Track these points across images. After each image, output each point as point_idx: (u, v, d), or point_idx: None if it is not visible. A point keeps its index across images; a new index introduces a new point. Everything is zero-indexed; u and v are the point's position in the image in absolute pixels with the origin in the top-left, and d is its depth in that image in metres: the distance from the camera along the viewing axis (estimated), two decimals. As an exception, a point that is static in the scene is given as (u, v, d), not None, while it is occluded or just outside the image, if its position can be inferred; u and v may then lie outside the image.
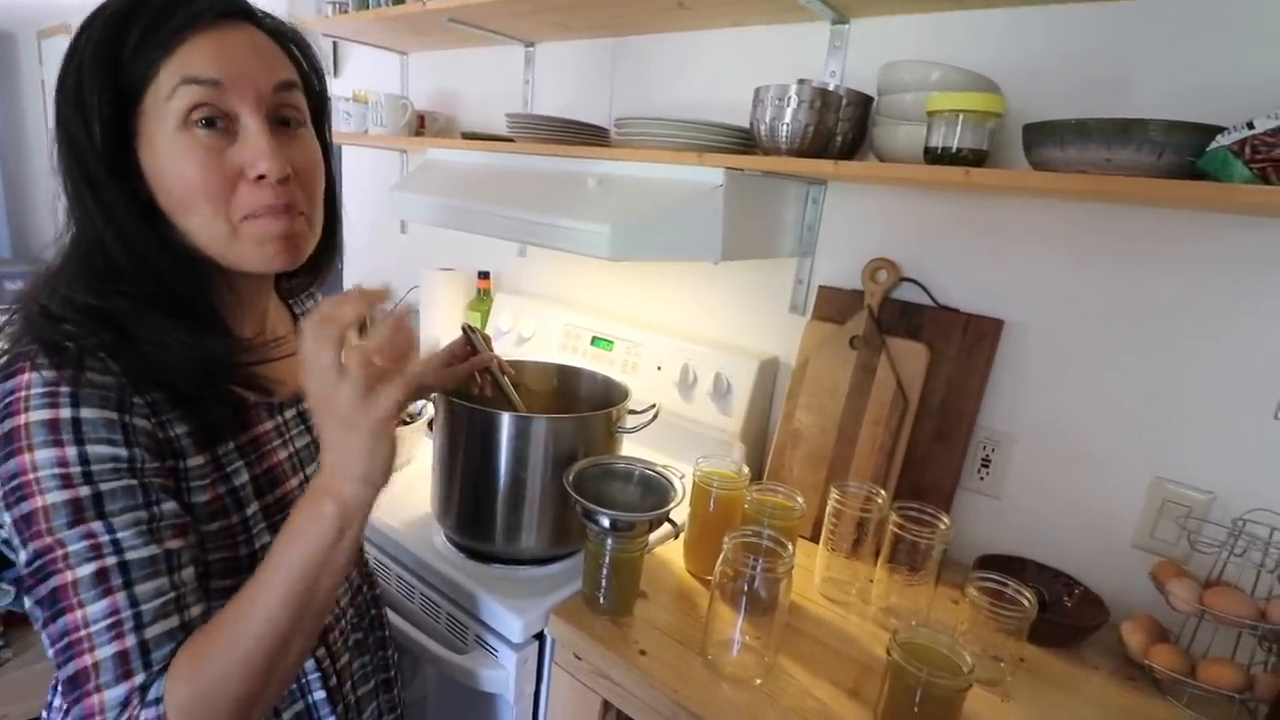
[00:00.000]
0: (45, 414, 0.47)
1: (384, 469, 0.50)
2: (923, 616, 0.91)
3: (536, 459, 0.93)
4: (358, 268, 2.17)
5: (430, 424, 1.21)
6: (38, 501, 0.46)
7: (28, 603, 0.48)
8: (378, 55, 1.86)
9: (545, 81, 1.57)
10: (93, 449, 0.47)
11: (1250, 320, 0.87)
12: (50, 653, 0.47)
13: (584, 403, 1.14)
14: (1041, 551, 1.02)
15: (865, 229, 1.16)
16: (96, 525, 0.47)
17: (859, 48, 1.11)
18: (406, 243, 2.00)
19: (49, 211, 0.56)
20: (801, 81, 0.95)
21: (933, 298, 1.10)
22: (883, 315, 1.12)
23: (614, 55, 1.43)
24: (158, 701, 0.45)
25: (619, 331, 1.42)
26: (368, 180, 2.07)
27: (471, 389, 0.99)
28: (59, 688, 0.49)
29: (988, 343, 1.04)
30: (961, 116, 0.81)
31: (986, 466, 1.09)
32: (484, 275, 1.69)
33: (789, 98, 0.93)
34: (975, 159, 0.83)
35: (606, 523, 0.84)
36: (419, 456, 1.25)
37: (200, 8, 0.52)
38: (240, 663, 0.47)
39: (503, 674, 0.88)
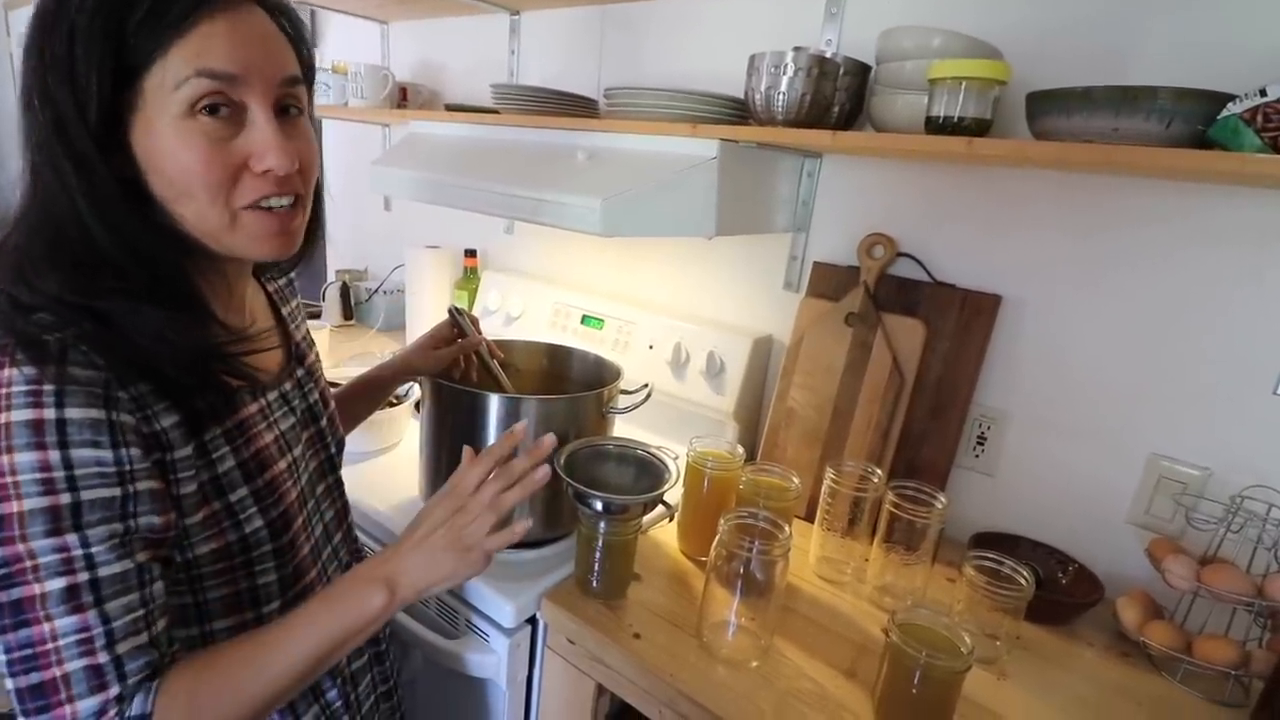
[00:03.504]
0: (28, 414, 0.44)
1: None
2: (919, 596, 0.90)
3: (527, 441, 0.90)
4: (340, 246, 2.12)
5: (417, 405, 1.19)
6: (12, 506, 0.44)
7: None
8: (357, 24, 1.79)
9: (531, 52, 1.52)
10: (77, 453, 0.45)
11: (1251, 295, 0.86)
12: (2, 660, 0.45)
13: (575, 383, 1.12)
14: (1036, 528, 1.01)
15: (861, 203, 1.14)
16: (71, 538, 0.45)
17: (855, 15, 1.08)
18: (391, 220, 1.95)
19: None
20: (798, 49, 0.91)
21: (930, 273, 1.08)
22: (879, 292, 1.10)
23: (602, 24, 1.38)
24: (144, 717, 0.46)
25: (610, 310, 1.39)
26: (348, 155, 2.01)
27: (454, 372, 0.96)
28: (15, 694, 0.46)
29: (984, 319, 1.03)
30: (965, 84, 0.79)
31: (982, 444, 1.08)
32: (471, 253, 1.66)
33: (785, 65, 0.90)
34: (978, 129, 0.80)
35: (599, 506, 0.82)
36: (406, 439, 1.23)
37: None
38: (247, 703, 0.50)
39: (494, 659, 0.87)
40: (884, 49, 0.93)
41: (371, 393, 0.94)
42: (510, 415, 0.90)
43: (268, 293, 0.72)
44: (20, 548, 0.44)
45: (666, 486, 0.85)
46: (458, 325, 0.96)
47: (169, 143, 0.49)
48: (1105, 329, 0.96)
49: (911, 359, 1.06)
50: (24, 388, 0.45)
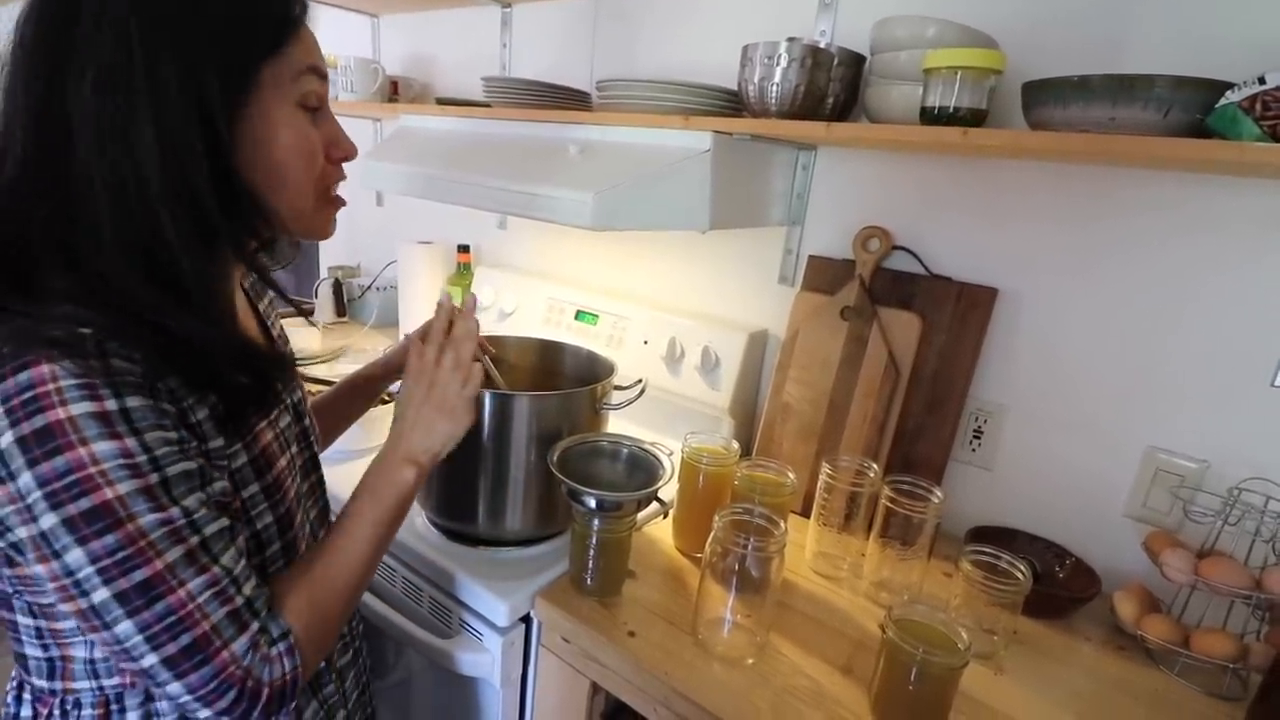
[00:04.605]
0: (90, 406, 0.44)
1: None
2: (915, 591, 0.90)
3: (519, 437, 0.89)
4: (332, 242, 2.10)
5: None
6: (108, 493, 0.45)
7: (98, 597, 0.46)
8: (347, 18, 1.77)
9: (523, 45, 1.50)
10: (150, 436, 0.47)
11: (1250, 286, 0.85)
12: (136, 640, 0.47)
13: (568, 379, 1.11)
14: (1033, 522, 1.01)
15: (856, 196, 1.13)
16: (174, 511, 0.48)
17: (850, 5, 1.07)
18: (383, 215, 1.94)
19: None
20: (792, 39, 0.90)
21: (925, 266, 1.07)
22: (874, 285, 1.09)
23: (595, 16, 1.37)
24: (285, 635, 0.53)
25: (604, 305, 1.38)
26: (341, 151, 1.99)
27: None
28: (161, 663, 0.48)
29: (981, 312, 1.02)
30: (960, 74, 0.78)
31: (978, 438, 1.07)
32: (464, 249, 1.64)
33: (779, 56, 0.89)
34: (974, 119, 0.79)
35: (593, 503, 0.81)
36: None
37: None
38: (342, 595, 0.59)
39: (488, 658, 0.86)
40: (878, 39, 0.92)
41: (362, 392, 0.93)
42: (502, 412, 0.89)
43: (243, 288, 0.71)
44: (130, 528, 0.46)
45: (661, 483, 0.84)
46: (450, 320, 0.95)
47: (283, 131, 0.53)
48: (1102, 322, 0.95)
49: (907, 353, 1.05)
50: (74, 382, 0.44)
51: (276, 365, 0.59)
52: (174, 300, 0.49)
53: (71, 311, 0.47)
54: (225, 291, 0.55)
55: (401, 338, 1.34)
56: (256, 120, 0.51)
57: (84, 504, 0.45)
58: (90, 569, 0.45)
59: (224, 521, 0.51)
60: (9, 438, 0.44)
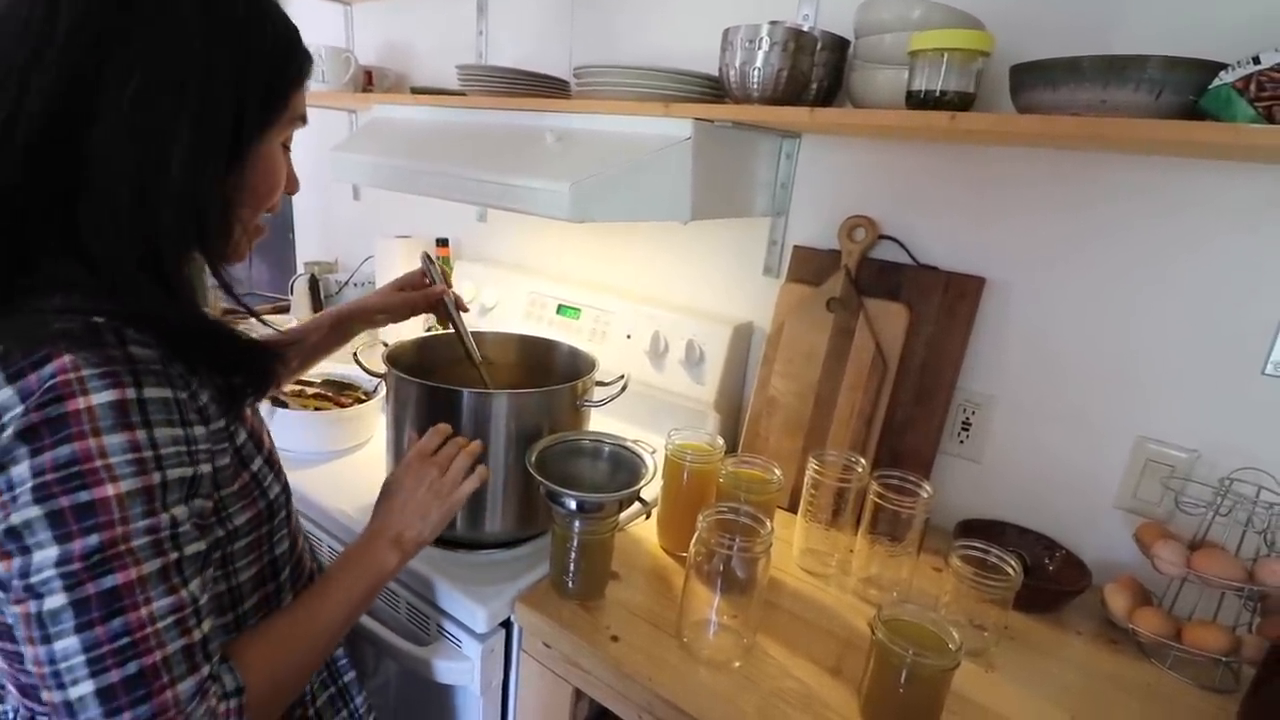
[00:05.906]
0: (110, 395, 0.43)
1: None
2: (905, 587, 0.88)
3: (498, 437, 0.86)
4: (308, 236, 2.05)
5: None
6: (108, 490, 0.43)
7: (51, 603, 0.42)
8: (319, 6, 1.72)
9: (500, 32, 1.47)
10: (160, 432, 0.45)
11: (1240, 274, 0.84)
12: (76, 662, 0.42)
13: (549, 375, 1.08)
14: (1022, 515, 0.99)
15: (841, 185, 1.10)
16: (164, 517, 0.45)
17: (834, -12, 1.04)
18: (360, 209, 1.89)
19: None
20: (774, 22, 0.87)
21: (912, 256, 1.05)
22: (860, 276, 1.07)
23: (573, 3, 1.33)
24: (239, 692, 0.49)
25: (586, 299, 1.35)
26: (313, 142, 1.93)
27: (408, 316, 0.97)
28: (96, 694, 0.43)
29: (969, 302, 1.00)
30: (946, 56, 0.75)
31: (967, 429, 1.05)
32: (443, 242, 1.60)
33: (760, 39, 0.86)
34: (961, 103, 0.77)
35: (573, 504, 0.78)
36: (378, 436, 1.18)
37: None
38: (307, 664, 0.59)
39: (467, 665, 0.83)
40: (863, 22, 0.90)
41: (339, 325, 0.94)
42: (480, 410, 0.86)
43: None
44: (118, 530, 0.43)
45: (643, 482, 0.81)
46: (428, 274, 0.97)
47: (271, 161, 0.55)
48: (1092, 310, 0.94)
49: (895, 344, 1.03)
50: (95, 370, 0.43)
51: (264, 351, 0.58)
52: (165, 293, 0.49)
53: (79, 302, 0.46)
54: (201, 289, 0.55)
55: (379, 335, 1.30)
56: (263, 144, 0.54)
57: (81, 497, 0.42)
58: (53, 570, 0.42)
59: (201, 545, 0.49)
60: (16, 428, 0.42)
